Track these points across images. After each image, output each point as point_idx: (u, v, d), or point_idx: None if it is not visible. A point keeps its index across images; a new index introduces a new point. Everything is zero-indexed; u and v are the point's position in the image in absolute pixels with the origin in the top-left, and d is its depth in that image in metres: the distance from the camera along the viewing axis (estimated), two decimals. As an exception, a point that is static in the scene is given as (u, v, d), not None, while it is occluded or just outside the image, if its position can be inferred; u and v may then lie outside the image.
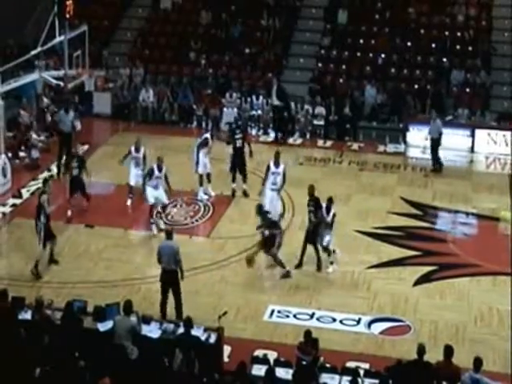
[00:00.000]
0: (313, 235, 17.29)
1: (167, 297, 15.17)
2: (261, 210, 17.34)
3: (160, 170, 18.65)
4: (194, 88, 26.65)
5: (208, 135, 20.65)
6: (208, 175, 20.51)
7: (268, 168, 18.76)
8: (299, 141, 25.16)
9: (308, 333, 13.01)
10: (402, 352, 14.13)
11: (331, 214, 17.23)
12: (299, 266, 17.40)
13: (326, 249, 17.29)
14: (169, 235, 15.48)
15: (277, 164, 18.78)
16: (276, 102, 25.04)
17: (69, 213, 19.05)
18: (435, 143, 22.99)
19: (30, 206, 20.02)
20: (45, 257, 17.05)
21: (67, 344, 12.71)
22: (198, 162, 20.25)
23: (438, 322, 15.61)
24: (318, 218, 17.27)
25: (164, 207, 19.14)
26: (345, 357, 14.21)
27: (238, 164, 20.72)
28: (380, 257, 17.97)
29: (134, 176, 19.81)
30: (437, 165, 22.95)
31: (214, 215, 19.64)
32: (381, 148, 24.56)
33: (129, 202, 20.06)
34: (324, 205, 17.31)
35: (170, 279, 15.14)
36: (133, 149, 19.80)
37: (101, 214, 19.47)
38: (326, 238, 17.16)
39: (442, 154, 23.31)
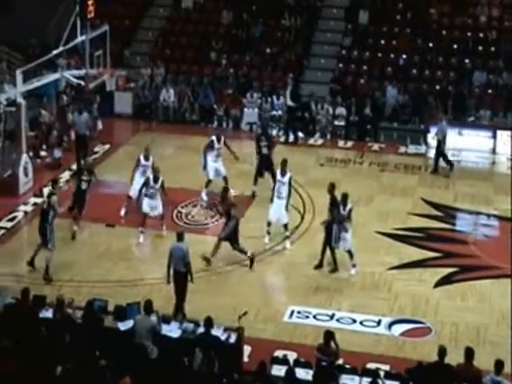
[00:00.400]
0: (328, 235, 17.23)
1: None
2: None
3: (156, 181, 18.16)
4: (214, 88, 26.68)
5: (214, 137, 20.30)
6: (224, 179, 20.18)
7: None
8: (320, 141, 25.12)
9: (328, 333, 12.97)
10: (423, 354, 14.10)
11: (347, 209, 17.11)
12: (319, 266, 17.37)
13: (348, 252, 17.24)
14: (180, 237, 15.33)
15: (283, 173, 18.35)
16: (290, 103, 24.98)
17: (75, 228, 18.52)
18: (440, 144, 22.83)
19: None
20: (52, 259, 16.88)
21: (88, 343, 12.75)
22: (205, 166, 20.08)
23: (458, 323, 15.54)
24: (332, 216, 17.16)
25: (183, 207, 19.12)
26: (365, 358, 14.16)
27: (265, 169, 20.62)
28: (401, 258, 17.92)
29: (136, 186, 19.02)
30: (448, 165, 22.84)
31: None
32: (402, 149, 24.48)
33: (122, 212, 19.41)
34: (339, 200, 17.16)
35: (178, 281, 15.09)
36: (142, 157, 19.35)
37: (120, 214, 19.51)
38: (348, 242, 17.07)
39: (464, 155, 23.22)
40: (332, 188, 17.62)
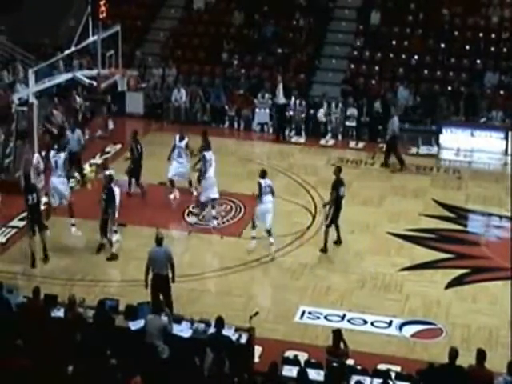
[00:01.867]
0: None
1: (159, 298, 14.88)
2: None
3: (181, 139, 19.44)
4: (226, 88, 26.69)
5: (177, 136, 20.22)
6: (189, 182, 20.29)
7: (259, 184, 18.05)
8: (331, 142, 25.07)
9: (335, 333, 12.91)
10: (434, 355, 14.03)
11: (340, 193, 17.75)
12: (324, 250, 17.78)
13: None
14: (159, 241, 15.05)
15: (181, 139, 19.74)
16: (282, 101, 24.90)
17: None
18: (393, 139, 23.04)
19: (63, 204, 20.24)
20: None
21: (99, 342, 12.78)
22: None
23: (470, 325, 15.49)
24: (332, 198, 17.75)
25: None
26: (376, 359, 14.13)
27: None
28: (412, 259, 17.88)
29: (174, 168, 19.86)
30: (399, 162, 22.98)
31: (246, 215, 19.62)
32: (413, 150, 24.40)
33: (172, 196, 20.11)
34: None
35: (162, 284, 14.88)
36: (177, 138, 19.97)
37: (133, 213, 19.55)
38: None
39: (476, 156, 23.19)
40: (338, 171, 18.04)
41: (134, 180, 20.27)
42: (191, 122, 26.04)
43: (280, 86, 24.91)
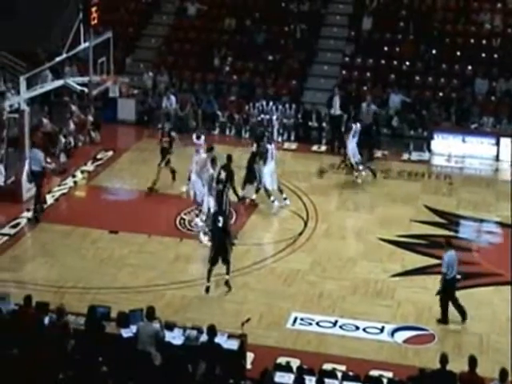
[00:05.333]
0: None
1: None
2: None
3: (198, 138, 20.39)
4: (218, 94, 26.71)
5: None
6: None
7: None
8: (323, 148, 25.05)
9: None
10: (426, 361, 14.08)
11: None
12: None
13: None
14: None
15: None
16: (338, 112, 24.93)
17: None
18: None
19: (54, 211, 20.24)
20: None
21: (90, 349, 12.75)
22: None
23: (461, 331, 15.51)
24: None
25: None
26: (368, 365, 14.16)
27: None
28: (404, 265, 17.91)
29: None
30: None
31: (238, 222, 19.62)
32: (405, 156, 24.44)
33: (184, 189, 20.36)
34: None
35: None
36: (194, 137, 20.61)
37: (125, 220, 19.54)
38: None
39: (467, 162, 23.34)
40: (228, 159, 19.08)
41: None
42: (182, 128, 25.99)
43: (336, 98, 24.87)
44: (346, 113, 25.07)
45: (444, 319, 15.79)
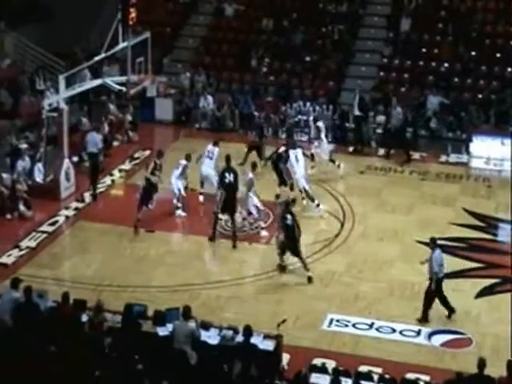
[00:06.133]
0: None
1: None
2: None
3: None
4: (255, 95, 26.72)
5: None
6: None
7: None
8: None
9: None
10: (463, 365, 13.90)
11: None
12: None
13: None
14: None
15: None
16: (357, 113, 24.84)
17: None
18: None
19: (92, 209, 20.39)
20: None
21: (126, 347, 12.80)
22: None
23: (500, 335, 15.32)
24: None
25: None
26: (404, 368, 14.08)
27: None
28: (441, 268, 17.73)
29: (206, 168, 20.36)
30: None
31: (274, 222, 19.58)
32: (443, 158, 24.22)
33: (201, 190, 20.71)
34: None
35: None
36: (210, 145, 20.77)
37: (161, 219, 19.60)
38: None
39: (506, 164, 23.10)
40: (227, 159, 19.22)
41: None
42: (219, 128, 26.08)
43: (356, 98, 24.84)
44: (365, 113, 24.95)
45: (425, 318, 15.74)
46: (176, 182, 19.86)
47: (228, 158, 19.17)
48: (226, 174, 18.70)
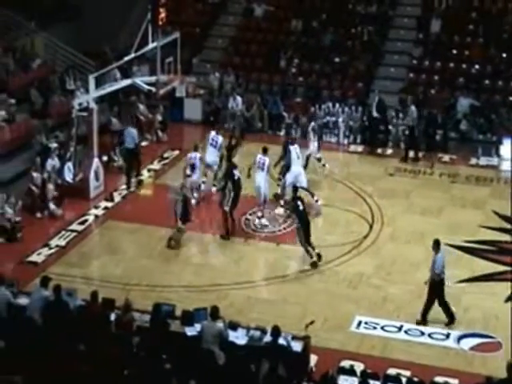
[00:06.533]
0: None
1: None
2: None
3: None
4: (284, 96, 26.69)
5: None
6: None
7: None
8: (389, 151, 24.79)
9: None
10: (493, 369, 13.74)
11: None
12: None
13: None
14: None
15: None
16: (375, 114, 24.74)
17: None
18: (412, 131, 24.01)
19: (121, 209, 20.47)
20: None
21: (154, 347, 12.83)
22: None
23: (530, 340, 15.19)
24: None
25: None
26: (433, 371, 14.00)
27: None
28: (471, 271, 17.61)
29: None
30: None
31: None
32: (473, 161, 24.01)
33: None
34: None
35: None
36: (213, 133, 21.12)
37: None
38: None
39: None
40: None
41: None
42: (248, 128, 26.08)
43: (376, 99, 24.74)
44: (383, 115, 24.87)
45: (424, 320, 15.64)
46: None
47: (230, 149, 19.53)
48: (235, 172, 18.90)
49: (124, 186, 21.50)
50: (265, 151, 19.91)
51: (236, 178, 18.89)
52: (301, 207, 17.68)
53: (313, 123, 22.72)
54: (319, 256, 17.52)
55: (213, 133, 21.26)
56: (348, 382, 12.78)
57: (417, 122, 24.05)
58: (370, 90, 26.84)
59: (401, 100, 26.16)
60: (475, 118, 25.45)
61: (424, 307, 15.69)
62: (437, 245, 15.79)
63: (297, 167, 20.21)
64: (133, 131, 21.95)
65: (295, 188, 18.47)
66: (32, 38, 26.48)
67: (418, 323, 15.65)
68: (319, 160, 22.27)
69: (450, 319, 15.68)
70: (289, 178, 20.00)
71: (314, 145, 22.20)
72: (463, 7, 28.43)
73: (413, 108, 23.77)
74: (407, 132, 24.14)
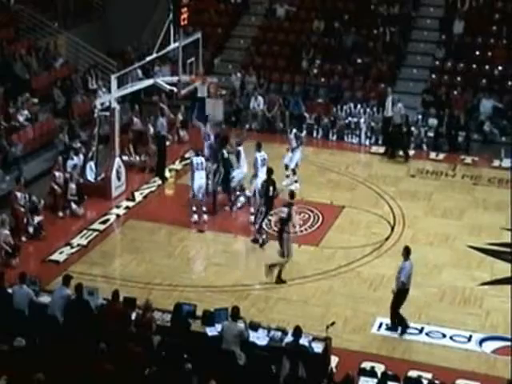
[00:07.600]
0: None
1: None
2: None
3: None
4: (305, 96, 26.66)
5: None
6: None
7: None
8: (411, 152, 24.64)
9: None
10: (515, 373, 13.70)
11: None
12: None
13: None
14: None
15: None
16: (390, 114, 24.64)
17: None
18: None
19: (142, 208, 20.52)
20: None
21: (175, 346, 12.84)
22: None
23: (552, 344, 15.06)
24: None
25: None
26: (454, 374, 13.98)
27: None
28: (493, 274, 17.51)
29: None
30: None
31: (324, 224, 19.53)
32: (496, 162, 23.83)
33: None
34: None
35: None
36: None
37: (211, 219, 19.64)
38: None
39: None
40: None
41: None
42: (269, 129, 26.06)
43: (389, 99, 24.64)
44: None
45: (405, 325, 15.42)
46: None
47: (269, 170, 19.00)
48: (223, 151, 20.10)
49: (145, 186, 21.55)
50: (259, 146, 19.96)
51: (225, 157, 19.88)
52: (270, 193, 18.33)
53: (294, 130, 22.15)
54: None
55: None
56: (369, 383, 12.71)
57: (405, 119, 24.01)
58: (393, 92, 26.72)
59: (423, 101, 26.09)
60: (498, 120, 25.31)
61: (397, 316, 15.41)
62: (406, 252, 15.37)
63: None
64: (162, 120, 22.33)
65: (270, 170, 18.77)
66: (55, 38, 26.65)
67: (388, 329, 15.43)
68: (294, 172, 21.55)
69: (405, 328, 15.36)
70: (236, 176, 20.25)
71: (297, 154, 21.63)
72: (486, 8, 28.30)
73: (399, 105, 23.58)
74: (395, 130, 23.96)
